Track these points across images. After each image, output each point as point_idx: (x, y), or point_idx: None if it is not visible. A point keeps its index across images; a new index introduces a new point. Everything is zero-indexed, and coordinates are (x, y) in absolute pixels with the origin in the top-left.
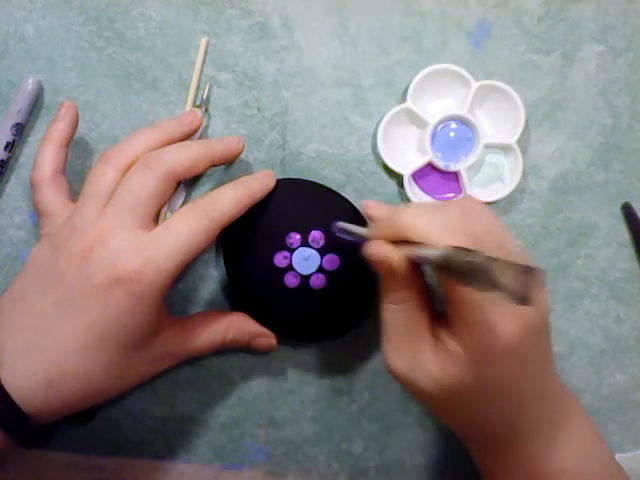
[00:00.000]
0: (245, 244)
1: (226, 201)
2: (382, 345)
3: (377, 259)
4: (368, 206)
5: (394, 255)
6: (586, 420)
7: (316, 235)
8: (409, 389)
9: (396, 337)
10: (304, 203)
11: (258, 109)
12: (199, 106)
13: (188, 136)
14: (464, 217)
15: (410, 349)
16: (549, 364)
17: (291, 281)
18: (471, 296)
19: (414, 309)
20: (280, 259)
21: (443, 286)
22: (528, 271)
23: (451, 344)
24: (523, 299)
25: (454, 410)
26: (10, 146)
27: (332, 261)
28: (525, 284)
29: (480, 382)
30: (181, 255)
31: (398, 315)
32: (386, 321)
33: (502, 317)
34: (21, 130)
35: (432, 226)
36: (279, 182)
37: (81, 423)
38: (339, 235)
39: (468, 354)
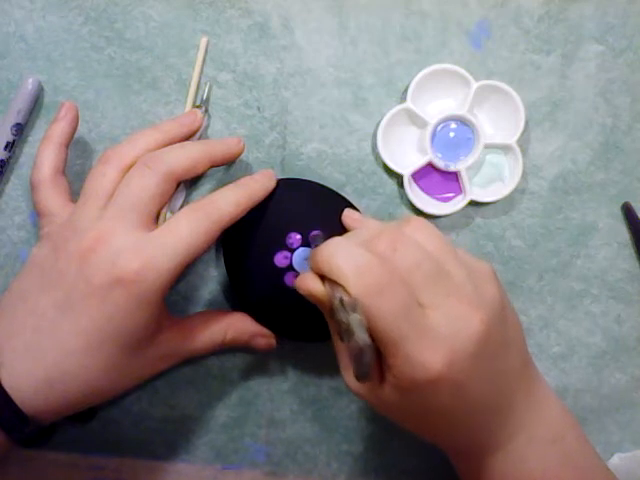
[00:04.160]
0: (245, 244)
1: (226, 203)
2: (341, 369)
3: (303, 293)
4: (345, 215)
5: (318, 290)
6: (565, 427)
7: (316, 236)
8: (368, 404)
9: (345, 360)
10: (304, 203)
11: (258, 109)
12: (199, 106)
13: (188, 136)
14: (392, 251)
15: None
16: (505, 378)
17: (291, 281)
18: (390, 333)
19: None
20: (280, 259)
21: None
22: (365, 350)
23: (386, 371)
24: (357, 377)
25: (408, 427)
26: (10, 146)
27: None
28: (360, 364)
29: (418, 408)
30: (181, 256)
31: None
32: (335, 346)
33: (425, 350)
34: (21, 130)
35: (343, 265)
36: (279, 182)
37: (81, 423)
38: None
39: (398, 384)
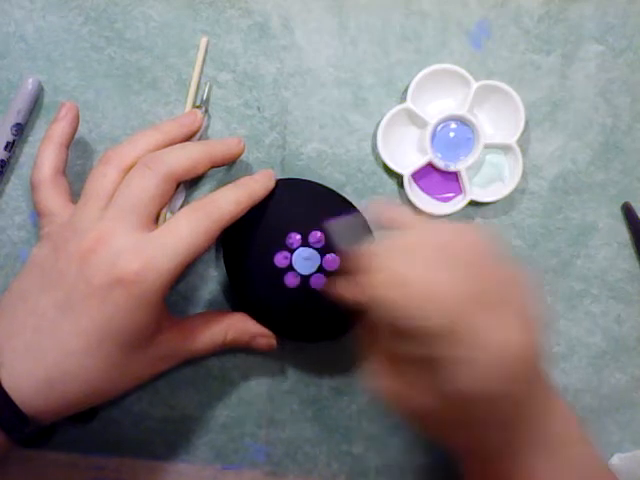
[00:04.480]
0: (245, 244)
1: (226, 202)
2: (368, 367)
3: (344, 300)
4: (377, 211)
5: (360, 298)
6: (573, 431)
7: (316, 235)
8: (394, 408)
9: (379, 363)
10: (304, 203)
11: (258, 109)
12: (199, 106)
13: (189, 137)
14: (440, 262)
15: (390, 374)
16: (537, 386)
17: (291, 281)
18: (438, 349)
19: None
20: (280, 259)
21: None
22: None
23: (421, 379)
24: None
25: (432, 432)
26: (10, 146)
27: (332, 261)
28: None
29: (449, 415)
30: (181, 256)
31: (378, 342)
32: (369, 347)
33: (473, 365)
34: (21, 130)
35: (389, 285)
36: (279, 182)
37: (82, 423)
38: (331, 234)
39: (442, 391)
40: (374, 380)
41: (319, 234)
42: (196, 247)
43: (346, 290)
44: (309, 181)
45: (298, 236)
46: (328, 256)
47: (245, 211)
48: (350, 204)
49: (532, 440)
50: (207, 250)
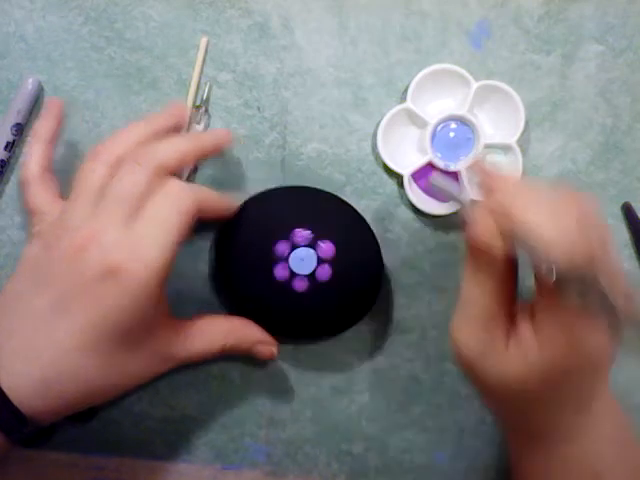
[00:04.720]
0: (242, 268)
1: (204, 189)
2: (454, 323)
3: (478, 245)
4: (486, 173)
5: (498, 245)
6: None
7: (300, 234)
8: (470, 374)
9: (473, 318)
10: (277, 210)
11: (258, 109)
12: (199, 106)
13: (177, 128)
14: (581, 224)
15: (485, 333)
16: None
17: (300, 285)
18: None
19: (499, 292)
20: (280, 271)
21: (540, 287)
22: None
23: (528, 340)
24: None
25: (507, 404)
26: (10, 146)
27: (327, 249)
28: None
29: (544, 387)
30: (169, 242)
31: (481, 296)
32: (466, 299)
33: (595, 337)
34: (21, 130)
35: (552, 232)
36: (248, 201)
37: (81, 423)
38: (434, 188)
39: (544, 357)
40: (458, 339)
41: (303, 231)
42: (180, 230)
43: (481, 235)
44: (275, 188)
45: (285, 243)
46: (322, 245)
47: (195, 159)
48: (333, 196)
49: (581, 424)
50: (191, 234)
